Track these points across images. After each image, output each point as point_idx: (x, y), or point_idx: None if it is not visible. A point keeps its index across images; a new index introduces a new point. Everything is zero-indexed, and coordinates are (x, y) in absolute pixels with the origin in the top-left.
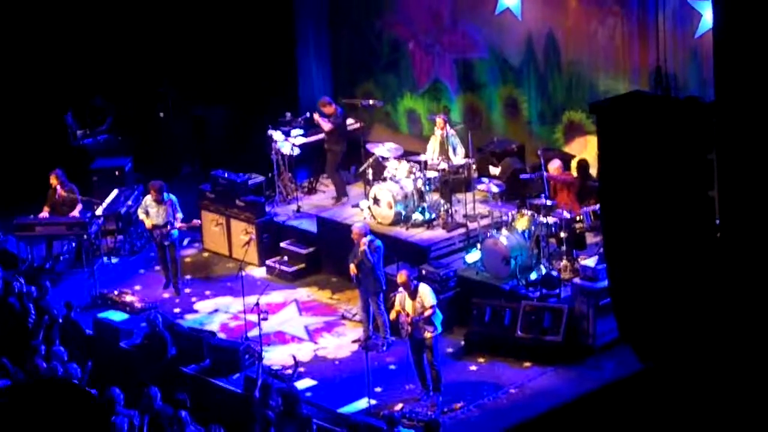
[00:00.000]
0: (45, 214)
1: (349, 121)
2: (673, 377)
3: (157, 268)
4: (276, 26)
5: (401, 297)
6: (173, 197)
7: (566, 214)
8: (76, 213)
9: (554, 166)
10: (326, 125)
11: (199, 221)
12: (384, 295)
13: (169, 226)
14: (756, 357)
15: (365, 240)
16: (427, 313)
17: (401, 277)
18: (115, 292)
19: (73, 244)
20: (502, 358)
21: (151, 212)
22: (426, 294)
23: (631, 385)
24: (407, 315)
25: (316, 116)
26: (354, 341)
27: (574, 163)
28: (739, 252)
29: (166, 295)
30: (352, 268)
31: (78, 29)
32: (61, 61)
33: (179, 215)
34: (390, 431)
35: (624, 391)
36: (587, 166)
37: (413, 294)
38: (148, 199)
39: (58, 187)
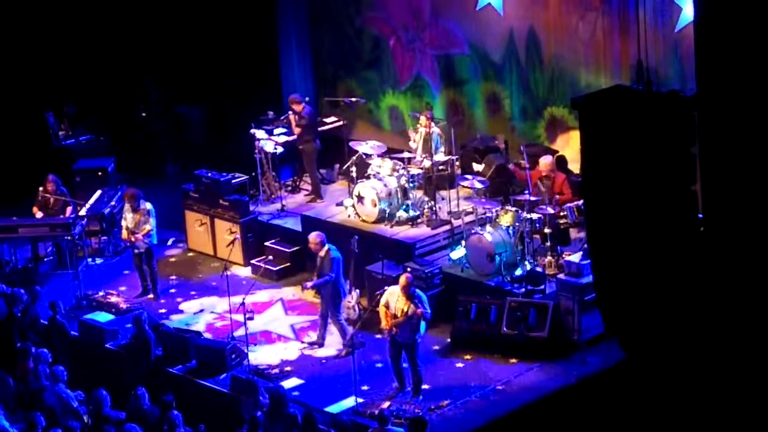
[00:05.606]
0: (40, 214)
1: (332, 119)
2: (656, 369)
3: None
4: (258, 24)
5: (394, 296)
6: (150, 206)
7: (550, 210)
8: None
9: (546, 161)
10: (295, 128)
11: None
12: (341, 306)
13: (138, 235)
14: (740, 349)
15: (325, 249)
16: (418, 316)
17: (404, 279)
18: (100, 293)
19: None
20: (488, 354)
21: (127, 218)
22: (424, 301)
23: (613, 377)
24: (394, 316)
25: (290, 116)
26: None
27: (553, 160)
28: (723, 246)
29: (150, 296)
30: (308, 285)
31: (58, 28)
32: (42, 60)
33: (147, 226)
34: (381, 430)
35: (606, 383)
36: (565, 161)
37: (410, 297)
38: (126, 206)
39: (49, 192)
